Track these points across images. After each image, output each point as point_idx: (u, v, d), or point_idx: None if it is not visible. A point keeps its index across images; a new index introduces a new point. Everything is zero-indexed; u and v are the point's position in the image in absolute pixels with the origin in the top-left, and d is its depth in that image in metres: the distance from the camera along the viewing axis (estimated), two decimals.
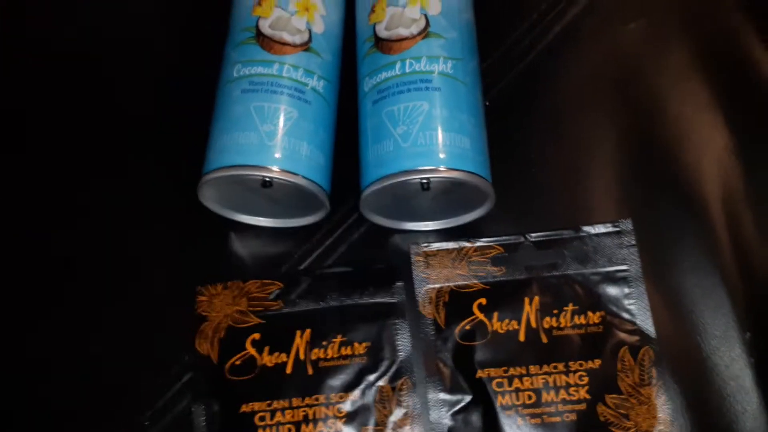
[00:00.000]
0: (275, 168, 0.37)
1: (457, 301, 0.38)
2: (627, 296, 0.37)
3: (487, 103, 0.40)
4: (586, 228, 0.39)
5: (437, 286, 0.39)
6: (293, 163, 0.37)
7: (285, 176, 0.37)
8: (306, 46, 0.39)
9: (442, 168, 0.35)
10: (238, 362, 0.37)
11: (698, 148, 0.41)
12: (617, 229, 0.39)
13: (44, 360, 0.39)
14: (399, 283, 0.39)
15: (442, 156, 0.35)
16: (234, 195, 0.40)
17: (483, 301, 0.38)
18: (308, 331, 0.38)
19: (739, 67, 0.44)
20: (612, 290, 0.37)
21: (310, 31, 0.40)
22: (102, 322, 0.40)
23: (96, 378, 0.39)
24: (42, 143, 0.45)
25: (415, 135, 0.36)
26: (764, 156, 0.41)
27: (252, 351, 0.38)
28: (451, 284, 0.38)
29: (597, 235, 0.39)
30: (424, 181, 0.36)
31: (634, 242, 0.38)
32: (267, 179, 0.37)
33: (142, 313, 0.40)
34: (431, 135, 0.36)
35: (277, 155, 0.37)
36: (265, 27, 0.39)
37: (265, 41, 0.39)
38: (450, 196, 0.38)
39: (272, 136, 0.37)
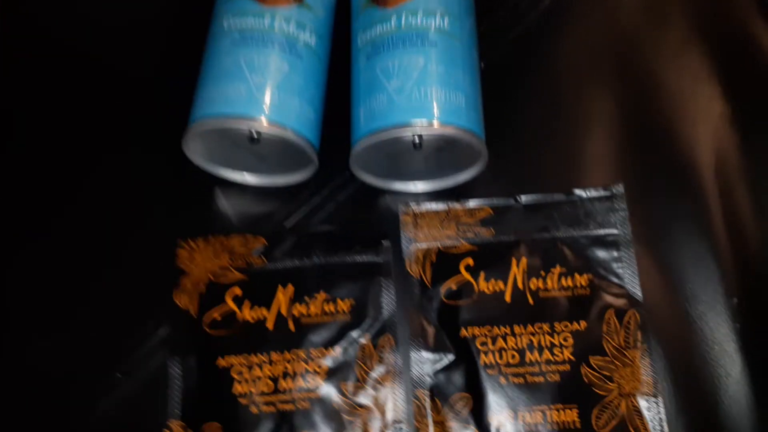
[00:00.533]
0: (263, 120, 0.36)
1: (444, 261, 0.38)
2: (616, 260, 0.37)
3: (483, 65, 0.40)
4: (578, 191, 0.38)
5: (425, 245, 0.38)
6: (283, 116, 0.36)
7: (274, 129, 0.36)
8: (299, 0, 0.38)
9: (435, 123, 0.35)
10: (217, 317, 0.37)
11: (693, 117, 0.41)
12: (609, 193, 0.38)
13: (18, 310, 0.38)
14: (386, 243, 0.38)
15: (436, 111, 0.35)
16: (220, 149, 0.39)
17: (470, 261, 0.37)
18: (291, 287, 0.37)
19: (735, 40, 0.44)
20: (601, 253, 0.37)
21: None
22: (80, 274, 0.39)
23: (71, 330, 0.38)
24: (24, 104, 0.44)
25: (409, 90, 0.35)
26: (759, 127, 0.41)
27: (232, 306, 0.37)
28: (438, 244, 0.38)
29: (589, 199, 0.38)
30: (417, 140, 0.35)
31: (625, 207, 0.38)
32: (255, 134, 0.36)
33: (121, 267, 0.39)
34: (426, 90, 0.35)
35: (267, 107, 0.36)
36: None
37: None
38: (442, 154, 0.37)
39: (262, 87, 0.36)
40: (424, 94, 0.35)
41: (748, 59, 0.43)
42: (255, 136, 0.36)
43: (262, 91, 0.36)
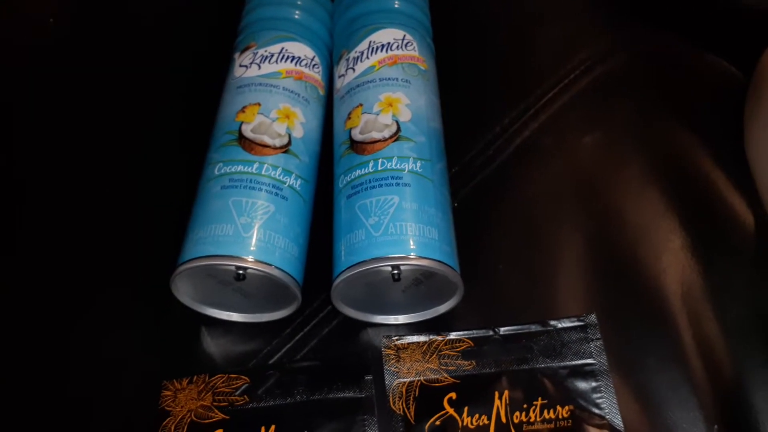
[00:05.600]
0: (249, 258, 0.37)
1: (427, 396, 0.37)
2: (595, 390, 0.37)
3: (456, 204, 0.43)
4: (553, 322, 0.39)
5: (407, 380, 0.38)
6: (268, 254, 0.38)
7: (259, 266, 0.38)
8: (285, 149, 0.41)
9: (412, 255, 0.36)
10: None
11: (656, 249, 0.43)
12: (582, 323, 0.39)
13: None
14: (368, 377, 0.39)
15: (411, 245, 0.37)
16: (207, 289, 0.40)
17: (453, 395, 0.37)
18: (273, 427, 0.37)
19: (688, 175, 0.47)
20: (580, 384, 0.37)
21: (289, 135, 0.42)
22: (65, 417, 0.39)
23: None
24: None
25: (386, 225, 0.37)
26: (718, 256, 0.43)
27: None
28: (421, 378, 0.38)
29: (564, 329, 0.39)
30: (395, 271, 0.37)
31: (599, 336, 0.39)
32: (241, 271, 0.38)
33: (107, 409, 0.39)
34: (401, 225, 0.37)
35: (252, 247, 0.38)
36: (247, 131, 0.41)
37: (246, 143, 0.41)
38: (420, 287, 0.39)
39: (248, 228, 0.38)
40: (400, 228, 0.37)
41: (701, 193, 0.46)
42: (241, 273, 0.38)
43: (248, 231, 0.38)
